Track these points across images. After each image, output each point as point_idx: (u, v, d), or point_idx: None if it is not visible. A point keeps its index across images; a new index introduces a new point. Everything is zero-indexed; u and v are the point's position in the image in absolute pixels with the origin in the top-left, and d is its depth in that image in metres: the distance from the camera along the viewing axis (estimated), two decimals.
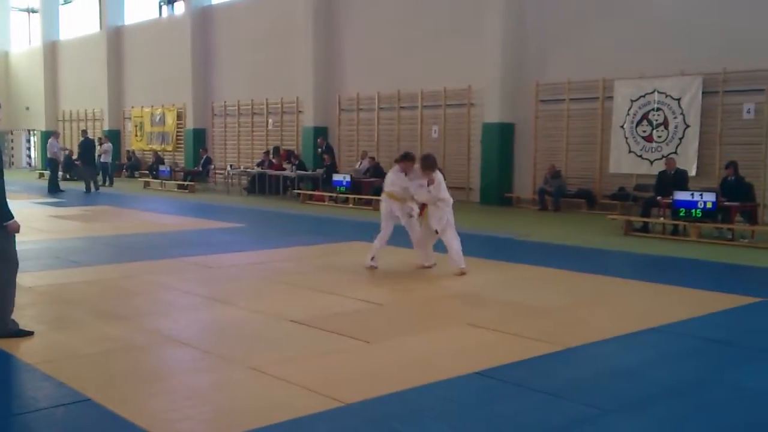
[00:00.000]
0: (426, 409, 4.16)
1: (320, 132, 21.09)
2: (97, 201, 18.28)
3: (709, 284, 7.88)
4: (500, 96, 16.88)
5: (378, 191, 17.08)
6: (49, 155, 22.17)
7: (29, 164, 37.35)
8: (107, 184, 23.58)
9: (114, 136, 28.63)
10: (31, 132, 37.10)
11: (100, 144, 24.63)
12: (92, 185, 21.18)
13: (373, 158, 18.44)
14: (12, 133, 38.12)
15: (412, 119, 19.17)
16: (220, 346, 5.49)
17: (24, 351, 5.16)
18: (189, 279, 8.00)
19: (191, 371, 4.88)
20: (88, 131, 26.06)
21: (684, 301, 7.10)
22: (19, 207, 16.45)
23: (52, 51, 34.27)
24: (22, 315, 6.53)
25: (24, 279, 7.82)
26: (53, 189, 20.60)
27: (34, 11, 37.39)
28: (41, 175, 28.97)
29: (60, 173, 22.26)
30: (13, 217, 5.51)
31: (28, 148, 37.96)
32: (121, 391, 4.40)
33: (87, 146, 22.03)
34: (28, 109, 36.32)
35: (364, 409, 4.11)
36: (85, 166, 21.71)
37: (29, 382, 4.52)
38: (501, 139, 17.05)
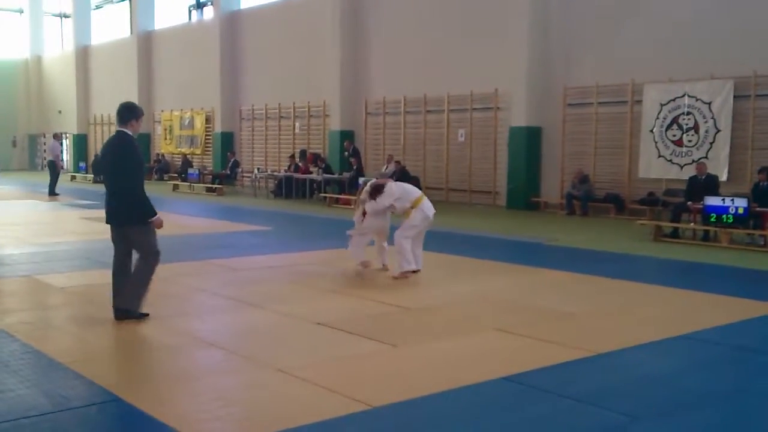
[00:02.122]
0: (453, 413, 4.14)
1: (347, 135, 21.15)
2: None
3: (740, 291, 7.75)
4: (527, 99, 16.79)
5: None
6: (51, 157, 21.75)
7: (62, 167, 37.88)
8: None
9: (144, 140, 28.98)
10: (64, 135, 37.66)
11: None
12: None
13: (399, 162, 18.44)
14: (45, 136, 38.75)
15: (438, 123, 19.15)
16: (248, 347, 5.53)
17: (56, 350, 5.23)
18: (217, 281, 8.07)
19: (220, 372, 4.91)
20: None
21: (715, 309, 6.99)
22: (51, 209, 16.76)
23: (83, 55, 34.81)
24: (55, 315, 6.64)
25: (56, 279, 7.96)
26: (53, 191, 20.49)
27: (66, 16, 38.01)
28: (73, 178, 29.44)
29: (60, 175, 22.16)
30: (156, 214, 6.08)
31: (61, 151, 38.49)
32: (151, 390, 4.45)
33: None
34: (60, 112, 36.93)
35: (390, 412, 4.11)
36: None
37: (61, 381, 4.58)
38: (528, 143, 16.95)
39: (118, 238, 6.17)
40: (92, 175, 28.05)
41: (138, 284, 6.09)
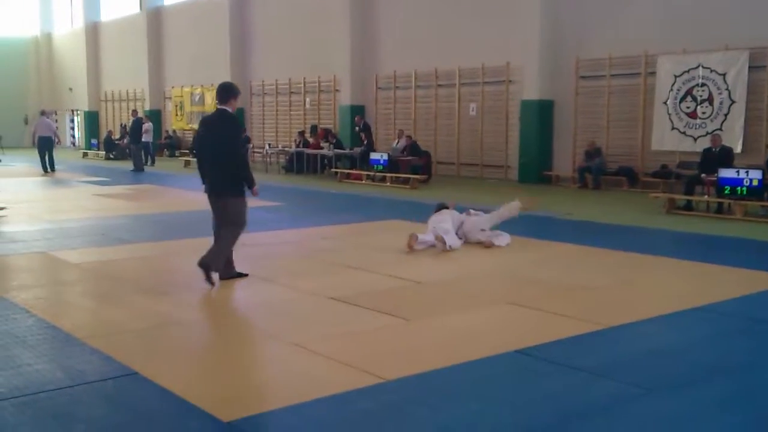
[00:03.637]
0: (466, 386, 4.17)
1: (357, 111, 21.06)
2: (139, 180, 18.58)
3: (754, 263, 7.71)
4: (539, 72, 16.64)
5: (415, 170, 17.08)
6: (47, 134, 20.83)
7: (73, 144, 38.09)
8: (149, 163, 23.93)
9: (155, 116, 29.00)
10: (75, 112, 37.77)
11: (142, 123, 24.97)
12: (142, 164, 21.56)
13: (410, 137, 18.35)
14: (56, 113, 38.88)
15: (449, 97, 19.03)
16: (262, 322, 5.57)
17: (72, 325, 5.29)
18: None
19: (235, 346, 4.96)
20: (136, 110, 26.32)
21: (729, 281, 6.97)
22: (65, 186, 16.86)
23: (93, 32, 34.73)
24: (71, 290, 6.71)
25: (70, 256, 8.02)
26: (54, 167, 20.37)
27: None
28: (85, 155, 29.54)
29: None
30: (256, 184, 6.63)
31: (72, 128, 38.70)
32: (167, 365, 4.50)
33: (138, 125, 22.36)
34: (71, 89, 36.98)
35: (403, 385, 4.14)
36: (137, 146, 22.06)
37: (77, 356, 4.64)
38: (540, 117, 16.83)
39: (215, 208, 6.70)
40: (104, 152, 28.10)
41: (222, 248, 6.60)
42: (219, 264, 6.57)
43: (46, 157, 20.38)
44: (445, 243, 8.28)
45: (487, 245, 8.57)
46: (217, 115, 6.64)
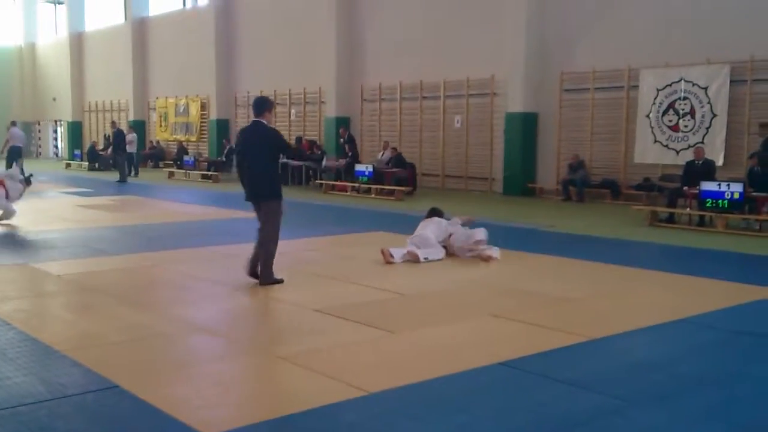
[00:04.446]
0: (450, 399, 4.16)
1: (342, 122, 21.09)
2: (123, 191, 18.47)
3: (736, 276, 7.78)
4: (524, 85, 16.76)
5: (400, 182, 17.09)
6: (19, 143, 21.02)
7: (56, 154, 37.80)
8: (133, 174, 23.81)
9: (139, 127, 28.87)
10: (58, 122, 37.52)
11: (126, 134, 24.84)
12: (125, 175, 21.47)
13: (395, 149, 18.40)
14: (39, 124, 38.61)
15: (434, 109, 19.11)
16: (245, 334, 5.53)
17: (52, 338, 5.23)
18: (214, 268, 8.07)
19: (217, 359, 4.92)
20: (115, 122, 26.23)
21: (711, 293, 7.01)
22: (47, 197, 16.71)
23: (78, 42, 34.58)
24: (52, 302, 6.64)
25: (51, 267, 7.95)
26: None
27: (60, 2, 37.74)
28: (68, 165, 29.33)
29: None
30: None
31: (55, 139, 38.42)
32: (148, 378, 4.45)
33: (121, 137, 22.28)
34: (54, 99, 36.76)
35: (387, 398, 4.12)
36: (120, 157, 21.96)
37: (58, 369, 4.58)
38: (524, 129, 16.93)
39: (258, 213, 7.14)
40: (87, 163, 27.91)
41: (268, 256, 7.05)
42: (271, 273, 7.03)
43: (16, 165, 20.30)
44: (418, 258, 8.27)
45: (485, 259, 8.44)
46: (253, 126, 7.07)
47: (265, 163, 6.98)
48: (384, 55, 20.31)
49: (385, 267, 8.12)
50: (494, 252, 8.60)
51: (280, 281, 7.06)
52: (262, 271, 7.02)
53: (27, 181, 12.02)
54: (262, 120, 7.01)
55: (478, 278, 7.60)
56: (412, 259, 8.29)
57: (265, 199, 7.03)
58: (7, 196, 11.32)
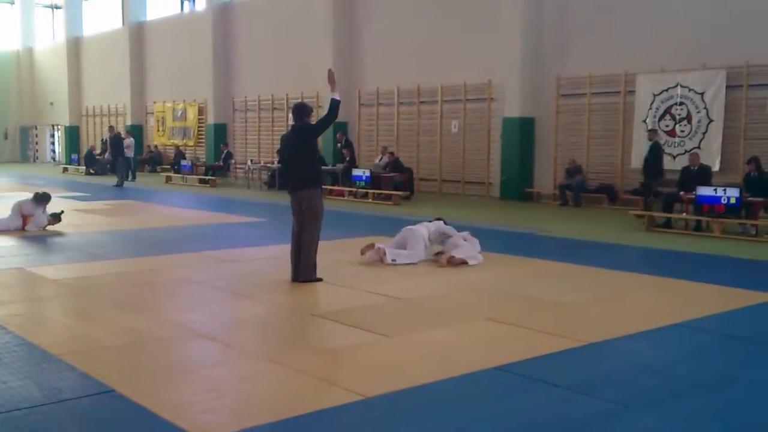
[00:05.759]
0: (447, 403, 4.16)
1: (340, 127, 21.04)
2: (119, 195, 18.45)
3: (732, 280, 7.79)
4: (520, 90, 16.78)
5: (397, 186, 17.10)
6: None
7: (53, 159, 37.75)
8: (130, 178, 23.79)
9: (136, 131, 28.85)
10: (55, 127, 37.48)
11: (123, 139, 24.86)
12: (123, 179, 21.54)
13: (392, 153, 18.40)
14: (36, 128, 38.57)
15: (431, 114, 19.12)
16: (241, 339, 5.53)
17: (48, 342, 5.22)
18: (210, 272, 8.06)
19: (213, 363, 4.91)
20: (113, 126, 26.26)
21: (707, 298, 7.03)
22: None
23: (75, 47, 34.56)
24: (47, 307, 6.63)
25: (47, 271, 7.93)
26: None
27: (57, 7, 37.74)
28: (65, 170, 29.29)
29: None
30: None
31: (52, 143, 38.39)
32: (144, 382, 4.44)
33: (118, 141, 22.34)
34: (52, 104, 36.71)
35: (384, 402, 4.12)
36: (118, 161, 22.01)
37: (53, 373, 4.57)
38: (521, 134, 16.95)
39: (296, 206, 7.48)
40: (85, 167, 27.89)
41: (309, 254, 7.38)
42: (313, 271, 7.38)
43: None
44: (384, 257, 8.36)
45: (456, 263, 8.31)
46: (293, 130, 7.59)
47: (305, 156, 7.47)
48: (381, 59, 20.33)
49: (382, 272, 8.12)
50: (472, 259, 8.46)
51: (320, 279, 7.40)
52: (303, 270, 7.34)
53: (56, 217, 11.53)
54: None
55: (475, 283, 7.60)
56: (379, 258, 8.38)
57: (303, 188, 7.36)
58: (23, 227, 11.17)
